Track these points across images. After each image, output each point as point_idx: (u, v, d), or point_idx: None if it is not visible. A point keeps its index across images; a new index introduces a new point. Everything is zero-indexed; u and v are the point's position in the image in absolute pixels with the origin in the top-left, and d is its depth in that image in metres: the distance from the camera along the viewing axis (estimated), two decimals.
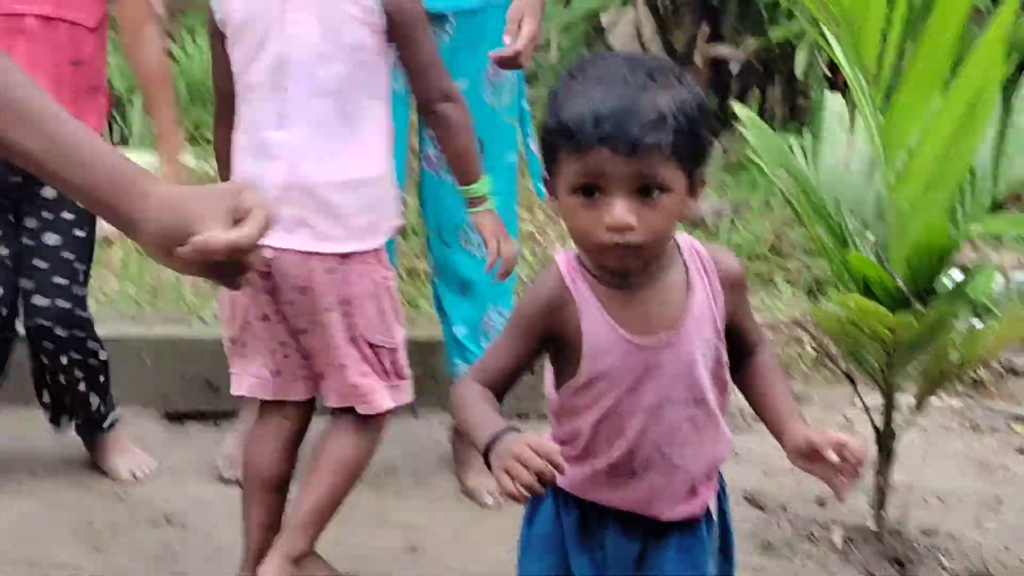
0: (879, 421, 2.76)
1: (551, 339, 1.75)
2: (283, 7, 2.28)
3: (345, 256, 2.34)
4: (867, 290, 2.63)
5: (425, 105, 2.40)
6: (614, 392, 1.69)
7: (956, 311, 2.69)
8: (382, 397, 2.37)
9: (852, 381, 2.88)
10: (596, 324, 1.67)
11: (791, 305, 3.86)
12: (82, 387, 2.86)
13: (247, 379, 2.44)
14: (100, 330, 2.85)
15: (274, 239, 2.32)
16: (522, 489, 1.35)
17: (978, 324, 2.96)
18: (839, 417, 3.42)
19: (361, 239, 2.37)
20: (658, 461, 1.71)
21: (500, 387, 1.75)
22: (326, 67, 2.31)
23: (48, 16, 2.75)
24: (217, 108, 2.56)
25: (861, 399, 2.82)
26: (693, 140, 1.57)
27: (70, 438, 2.90)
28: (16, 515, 2.69)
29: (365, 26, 2.30)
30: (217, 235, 1.03)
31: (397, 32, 2.37)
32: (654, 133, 1.50)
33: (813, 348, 3.73)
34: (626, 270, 1.67)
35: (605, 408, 1.70)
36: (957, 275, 2.91)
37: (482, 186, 2.48)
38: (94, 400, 2.89)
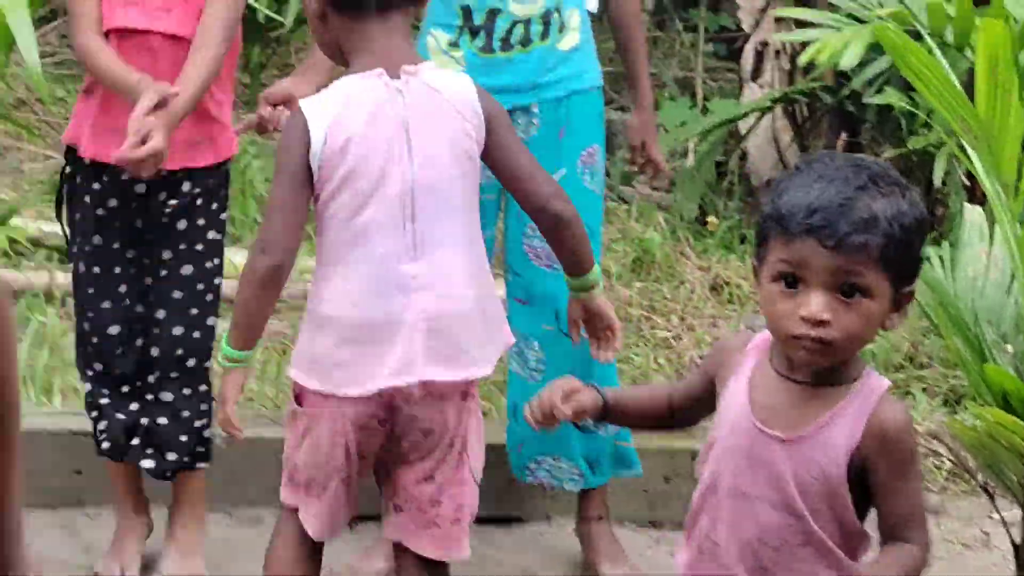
0: (1017, 535, 2.71)
1: (712, 387, 1.83)
2: (407, 135, 2.22)
3: (472, 382, 2.32)
4: (1005, 403, 2.60)
5: (538, 207, 2.34)
6: (720, 465, 1.76)
7: None
8: (467, 545, 2.33)
9: (990, 494, 2.85)
10: (736, 393, 1.72)
11: (928, 416, 3.77)
12: (194, 421, 2.89)
13: (312, 520, 2.34)
14: None
15: (430, 373, 2.24)
16: None
17: None
18: (976, 531, 3.36)
19: (488, 361, 2.35)
20: (748, 558, 1.75)
21: (678, 403, 1.93)
22: (452, 187, 2.28)
23: (174, 34, 2.79)
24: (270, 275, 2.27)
25: (999, 512, 2.77)
26: (904, 251, 1.60)
27: None
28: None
29: (472, 138, 2.28)
30: None
31: (496, 138, 2.34)
32: (863, 233, 1.55)
33: (950, 460, 3.63)
34: (812, 365, 1.68)
35: (708, 479, 1.77)
36: None
37: (597, 270, 2.47)
38: (194, 436, 2.91)
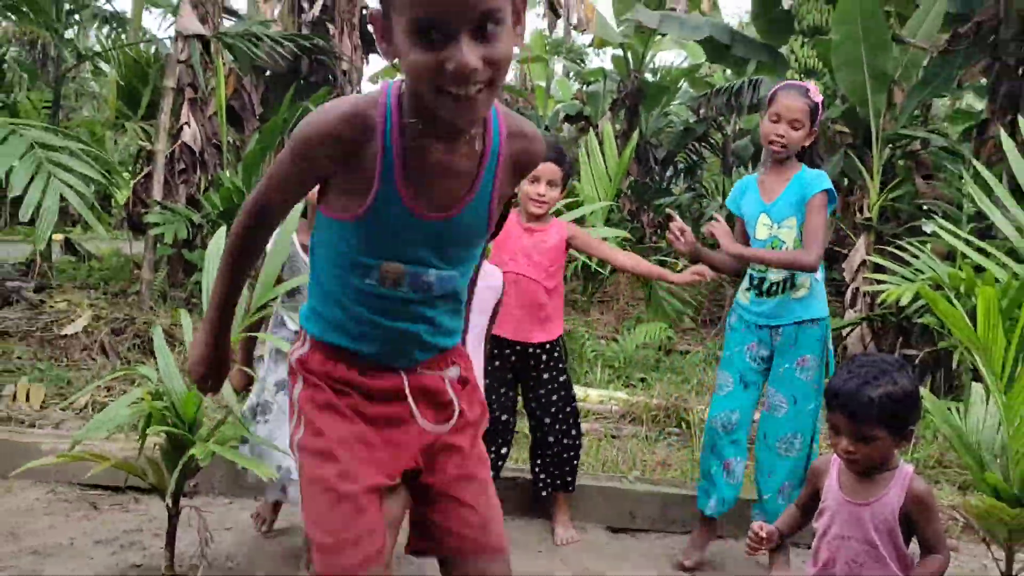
0: (1005, 568, 3.31)
1: (817, 490, 2.47)
2: None
3: None
4: (995, 493, 3.15)
5: None
6: (829, 520, 2.41)
7: None
8: None
9: (987, 543, 3.44)
10: (831, 486, 2.37)
11: (951, 497, 4.44)
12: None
13: None
14: None
15: None
16: None
17: None
18: (978, 563, 4.01)
19: None
20: (845, 569, 2.37)
21: (803, 507, 2.55)
22: None
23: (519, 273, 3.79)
24: None
25: (992, 554, 3.40)
26: (892, 414, 2.26)
27: None
28: None
29: None
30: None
31: None
32: (864, 408, 2.24)
33: (964, 521, 4.31)
34: (853, 472, 2.34)
35: (822, 529, 2.42)
36: None
37: None
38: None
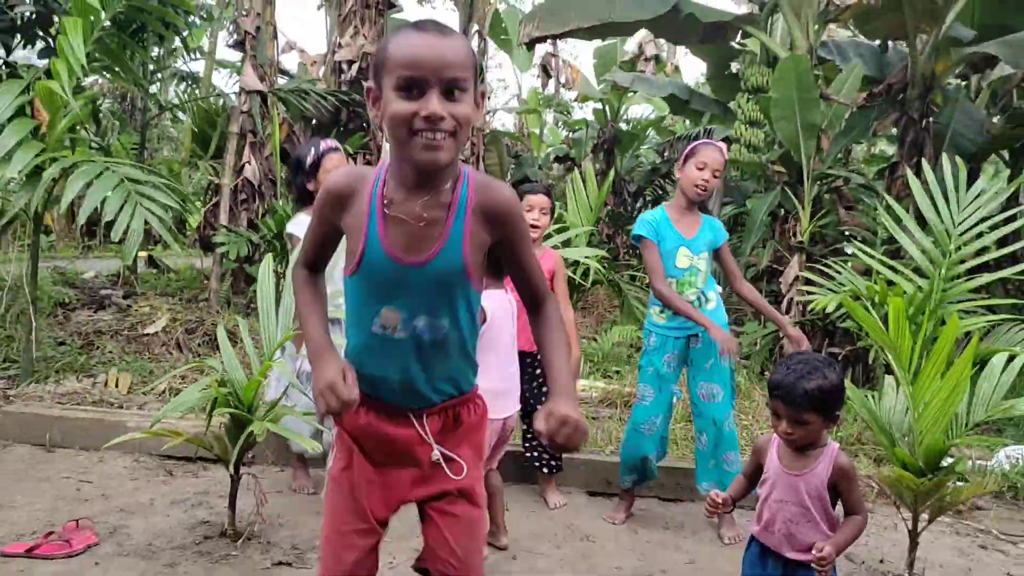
0: (910, 525, 3.44)
1: (760, 462, 2.42)
2: None
3: None
4: (904, 466, 3.30)
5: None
6: (770, 488, 2.39)
7: (947, 479, 3.30)
8: None
9: (897, 506, 3.56)
10: (773, 458, 2.32)
11: (868, 468, 4.43)
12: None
13: None
14: None
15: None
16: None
17: (959, 484, 3.53)
18: (890, 522, 4.01)
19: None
20: (784, 528, 2.34)
21: (750, 478, 2.47)
22: None
23: None
24: None
25: (901, 514, 3.51)
26: (824, 403, 2.26)
27: None
28: None
29: None
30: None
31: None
32: (800, 398, 2.24)
33: (878, 489, 4.30)
34: (791, 447, 2.30)
35: (764, 494, 2.39)
36: (948, 460, 3.40)
37: None
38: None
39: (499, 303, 3.04)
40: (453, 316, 1.63)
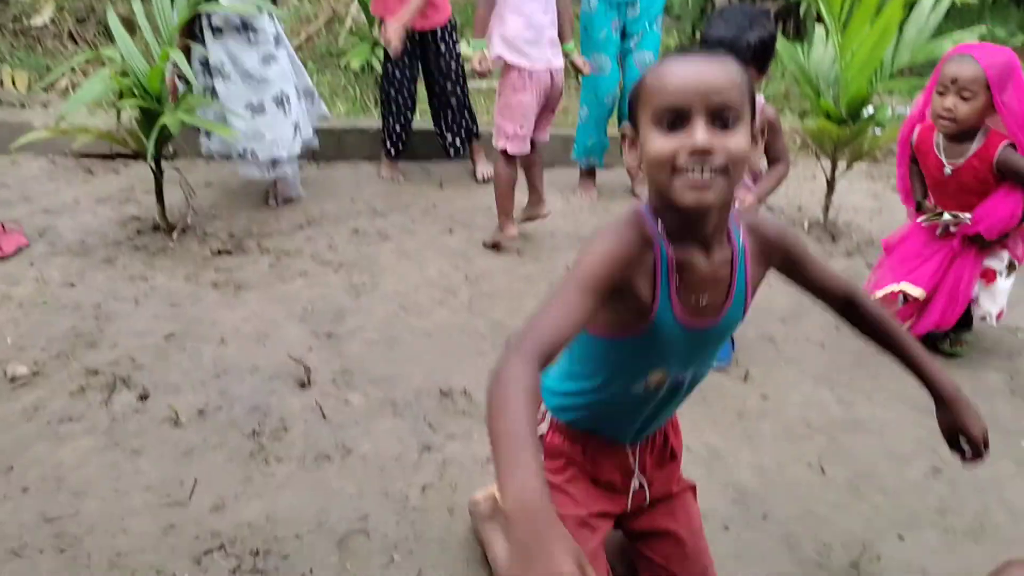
0: (829, 175, 3.69)
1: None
2: None
3: None
4: (827, 116, 3.46)
5: None
6: None
7: (868, 126, 3.52)
8: None
9: (818, 156, 3.78)
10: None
11: (792, 122, 4.63)
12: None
13: (514, 145, 3.12)
14: None
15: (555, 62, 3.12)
16: None
17: (878, 131, 3.70)
18: (811, 172, 4.27)
19: None
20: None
21: None
22: None
23: None
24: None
25: (821, 165, 3.74)
26: (763, 51, 2.26)
27: None
28: None
29: None
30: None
31: None
32: (744, 52, 2.18)
33: (801, 141, 4.56)
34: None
35: None
36: (870, 110, 3.60)
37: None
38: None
39: None
40: (713, 361, 1.46)
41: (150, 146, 3.05)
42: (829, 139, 3.56)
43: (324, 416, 2.27)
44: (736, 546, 1.90)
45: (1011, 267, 2.65)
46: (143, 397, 2.31)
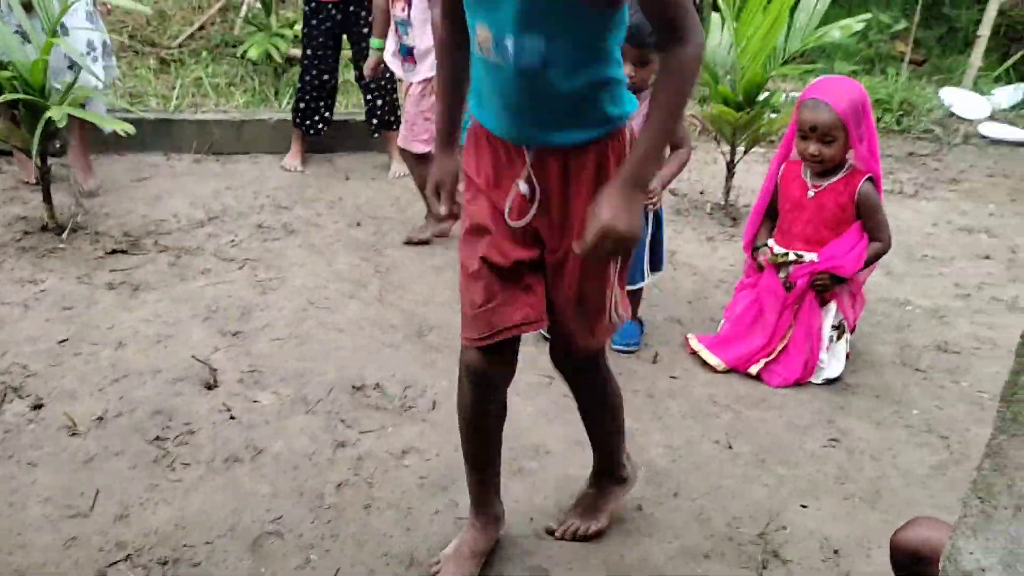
0: (728, 157, 3.78)
1: None
2: None
3: None
4: (725, 101, 3.55)
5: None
6: None
7: (764, 111, 3.61)
8: None
9: (718, 141, 3.88)
10: None
11: (692, 109, 4.60)
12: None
13: None
14: None
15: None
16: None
17: (773, 115, 3.85)
18: (710, 156, 4.35)
19: None
20: None
21: None
22: None
23: None
24: None
25: (721, 149, 3.84)
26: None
27: None
28: None
29: None
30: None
31: None
32: (640, 36, 2.21)
33: (701, 126, 4.65)
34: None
35: None
36: (765, 94, 3.65)
37: None
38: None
39: None
40: (553, 43, 1.34)
41: (35, 143, 2.91)
42: (728, 124, 3.65)
43: (233, 417, 2.22)
44: (649, 524, 1.95)
45: (840, 330, 2.59)
46: (37, 406, 2.21)
